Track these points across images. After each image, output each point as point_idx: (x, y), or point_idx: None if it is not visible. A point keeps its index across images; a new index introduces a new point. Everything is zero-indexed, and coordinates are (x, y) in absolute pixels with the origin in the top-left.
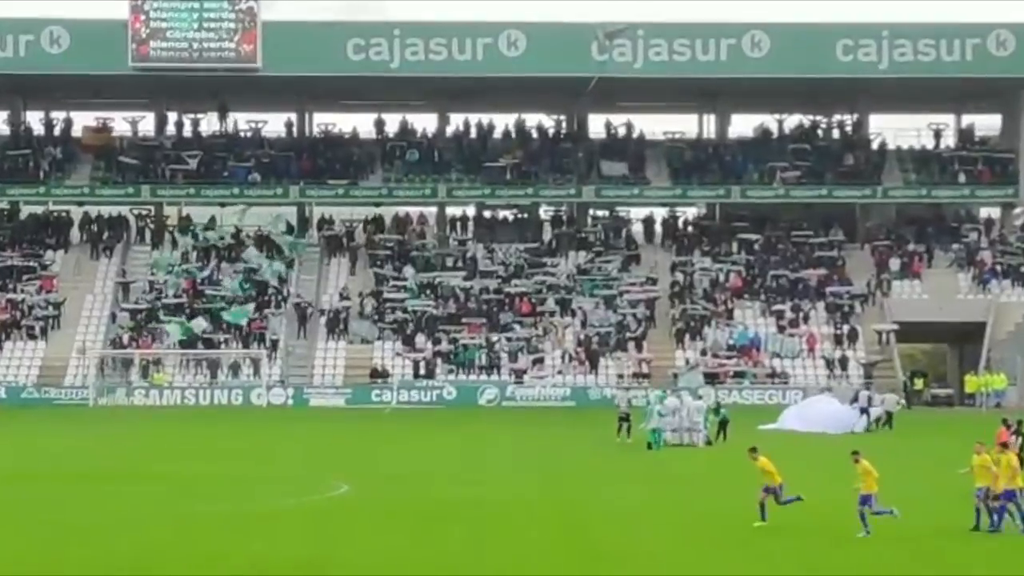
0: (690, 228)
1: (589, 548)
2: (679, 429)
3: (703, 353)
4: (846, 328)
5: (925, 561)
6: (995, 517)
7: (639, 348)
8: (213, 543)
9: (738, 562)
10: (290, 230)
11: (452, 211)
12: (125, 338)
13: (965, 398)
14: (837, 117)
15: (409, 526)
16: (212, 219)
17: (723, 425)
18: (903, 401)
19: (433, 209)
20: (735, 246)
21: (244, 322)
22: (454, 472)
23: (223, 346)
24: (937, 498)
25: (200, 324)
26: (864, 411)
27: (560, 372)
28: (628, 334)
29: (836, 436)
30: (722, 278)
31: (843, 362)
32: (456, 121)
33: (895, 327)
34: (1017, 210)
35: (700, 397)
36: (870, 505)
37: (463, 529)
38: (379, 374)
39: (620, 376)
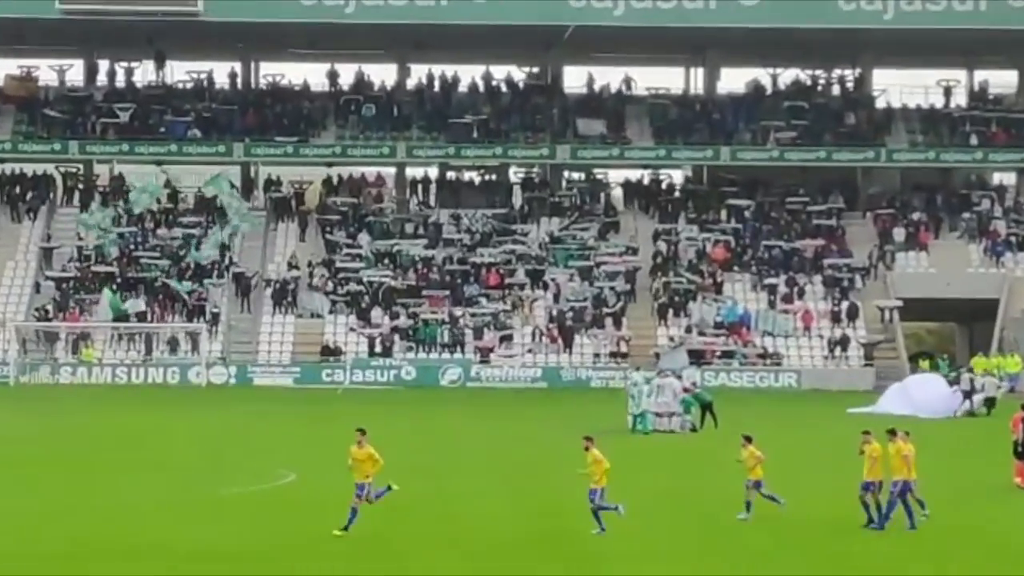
0: (675, 193)
1: (563, 545)
2: (663, 413)
3: (688, 331)
4: (845, 304)
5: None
6: (881, 512)
7: (617, 325)
8: (146, 535)
9: (726, 561)
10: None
11: (412, 172)
12: (50, 310)
13: None
14: (837, 72)
15: (359, 521)
16: (170, 183)
17: (707, 408)
18: (1005, 384)
19: (391, 170)
20: (724, 213)
21: (188, 293)
22: (412, 461)
23: (159, 320)
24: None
25: (135, 302)
26: (967, 395)
27: (530, 351)
28: (605, 309)
29: (934, 420)
30: (709, 248)
31: (842, 342)
32: (417, 73)
33: (899, 304)
34: None
35: (679, 377)
36: (597, 499)
37: (419, 525)
38: (330, 351)
39: (596, 355)
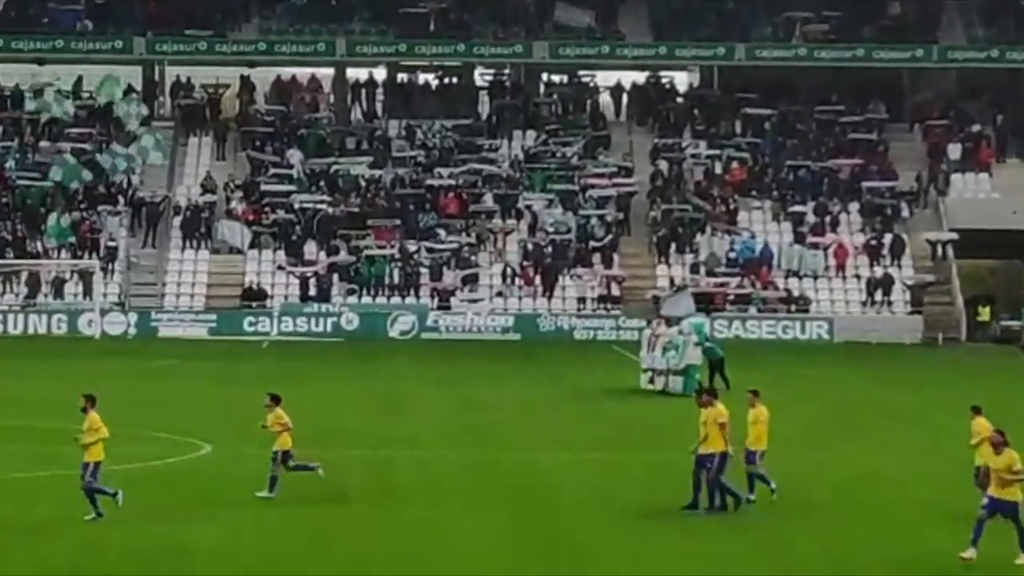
0: (678, 100)
1: (534, 535)
2: (659, 370)
3: (694, 270)
4: (888, 238)
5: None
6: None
7: (607, 263)
8: (32, 517)
9: (725, 553)
10: (133, 97)
11: (355, 74)
12: None
13: None
14: None
15: (286, 501)
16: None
17: (716, 367)
18: None
19: (329, 71)
20: (739, 125)
21: (68, 239)
22: (353, 428)
23: (42, 256)
24: None
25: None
26: None
27: (500, 294)
28: (593, 244)
29: None
30: (720, 168)
31: (884, 283)
32: None
33: (953, 236)
34: None
35: (679, 327)
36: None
37: (361, 508)
38: (254, 295)
39: (581, 300)
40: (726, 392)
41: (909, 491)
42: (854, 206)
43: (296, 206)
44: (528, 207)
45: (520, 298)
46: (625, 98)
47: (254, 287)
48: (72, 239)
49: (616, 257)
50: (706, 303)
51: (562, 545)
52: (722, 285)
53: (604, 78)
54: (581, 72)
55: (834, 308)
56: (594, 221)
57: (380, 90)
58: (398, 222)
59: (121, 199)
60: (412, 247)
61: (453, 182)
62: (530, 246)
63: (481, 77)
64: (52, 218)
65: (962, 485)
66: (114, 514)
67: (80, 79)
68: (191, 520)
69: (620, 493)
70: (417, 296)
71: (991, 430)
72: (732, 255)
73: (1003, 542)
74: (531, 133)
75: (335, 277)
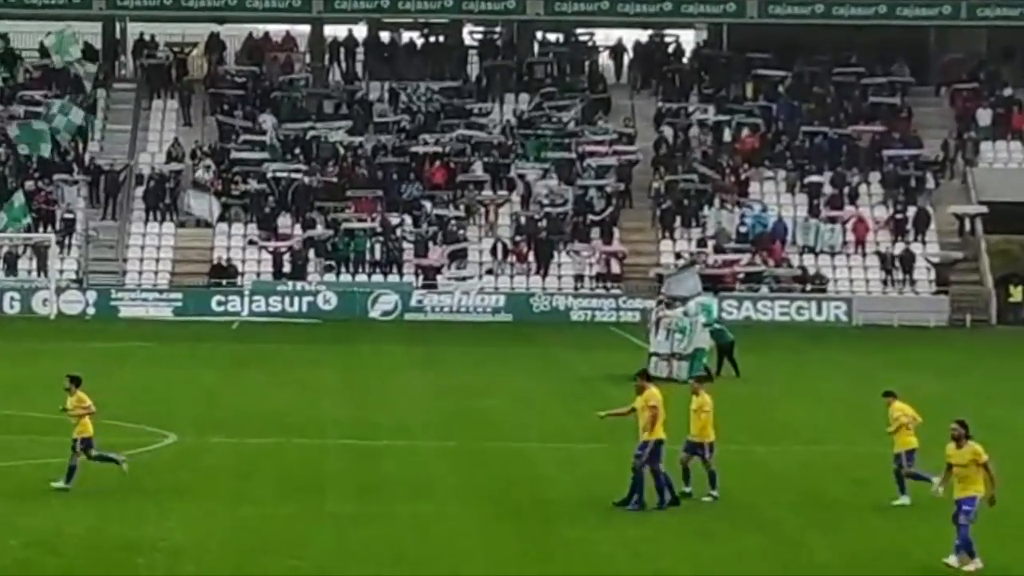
0: (684, 61)
1: (526, 531)
2: (664, 354)
3: (701, 246)
4: (911, 211)
5: None
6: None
7: (607, 238)
8: None
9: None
10: (92, 56)
11: (333, 32)
12: None
13: None
14: None
15: (259, 494)
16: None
17: (725, 352)
18: None
19: (304, 28)
20: (750, 88)
21: (24, 223)
22: (331, 416)
23: None
24: None
25: None
26: None
27: (491, 272)
28: (591, 217)
29: None
30: (730, 136)
31: (907, 261)
32: None
33: (983, 210)
34: None
35: (684, 308)
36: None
37: (340, 501)
38: (223, 272)
39: (579, 279)
40: (735, 379)
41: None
42: (875, 176)
43: (269, 175)
44: (521, 177)
45: (512, 276)
46: (626, 59)
47: (223, 263)
48: (27, 221)
49: (616, 232)
50: (714, 282)
51: (555, 543)
52: (732, 263)
53: (604, 37)
54: (579, 30)
55: (853, 288)
56: (592, 192)
57: (360, 49)
58: (380, 193)
59: (76, 167)
60: (395, 220)
61: (440, 150)
62: (523, 219)
63: (470, 35)
64: (19, 197)
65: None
66: (70, 508)
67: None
68: (153, 515)
69: (619, 487)
70: (400, 274)
71: (911, 416)
72: (742, 230)
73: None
74: (524, 97)
75: (311, 253)
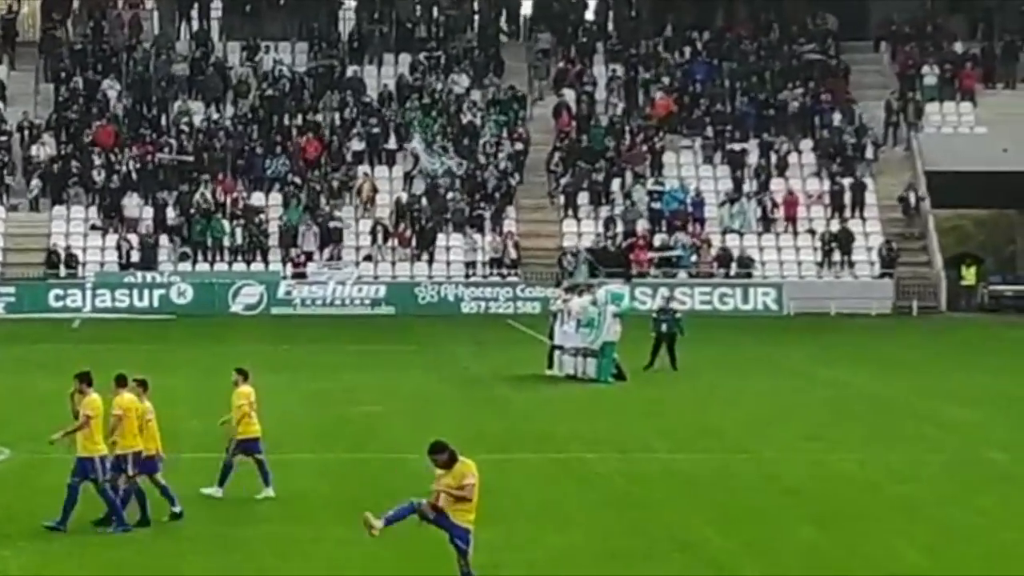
0: (588, 14)
1: (412, 552)
2: (573, 350)
3: (610, 226)
4: (848, 183)
5: None
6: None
7: (498, 220)
8: None
9: None
10: None
11: None
12: None
13: None
14: None
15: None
16: None
17: (663, 340)
18: None
19: None
20: (663, 45)
21: None
22: (187, 428)
23: None
24: None
25: None
26: None
27: (369, 258)
28: (483, 194)
29: None
30: (642, 99)
31: (844, 240)
32: None
33: (926, 182)
34: None
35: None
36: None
37: (200, 524)
38: (61, 262)
39: (470, 265)
40: (671, 372)
41: (881, 494)
42: (807, 144)
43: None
44: (402, 150)
45: (394, 263)
46: (522, 12)
47: (61, 252)
48: None
49: (512, 211)
50: (625, 267)
51: (448, 563)
52: (643, 245)
53: None
54: None
55: (783, 271)
56: (485, 166)
57: (216, 5)
58: (242, 168)
59: None
60: (259, 201)
61: (309, 119)
62: (405, 198)
63: None
64: None
65: (940, 489)
66: None
67: None
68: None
69: (520, 499)
70: (265, 262)
71: (251, 400)
72: (656, 207)
73: None
74: (405, 57)
75: (163, 239)
